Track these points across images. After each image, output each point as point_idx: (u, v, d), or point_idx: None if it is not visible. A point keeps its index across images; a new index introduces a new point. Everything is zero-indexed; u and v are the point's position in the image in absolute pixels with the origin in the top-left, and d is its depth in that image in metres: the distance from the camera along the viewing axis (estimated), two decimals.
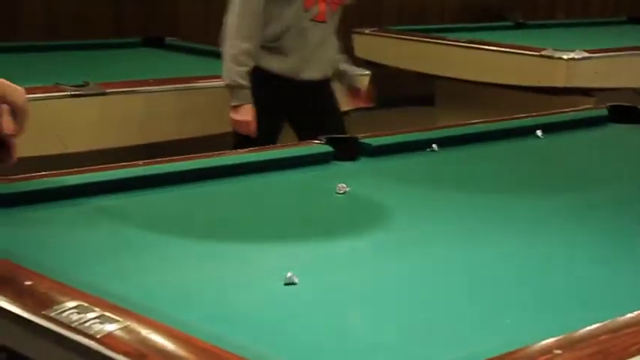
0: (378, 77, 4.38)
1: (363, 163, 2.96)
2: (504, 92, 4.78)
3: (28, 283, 1.78)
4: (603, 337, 1.62)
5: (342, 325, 1.77)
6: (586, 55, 5.39)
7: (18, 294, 1.75)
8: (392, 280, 2.04)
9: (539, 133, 3.35)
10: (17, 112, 2.06)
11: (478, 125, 3.40)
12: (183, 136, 4.05)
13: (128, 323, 1.60)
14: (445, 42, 5.69)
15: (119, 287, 1.79)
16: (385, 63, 5.82)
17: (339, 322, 1.78)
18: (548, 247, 2.23)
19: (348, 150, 3.00)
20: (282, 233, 2.30)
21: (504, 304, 1.87)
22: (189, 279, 1.98)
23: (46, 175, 2.53)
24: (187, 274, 2.01)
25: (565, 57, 5.30)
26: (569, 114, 3.70)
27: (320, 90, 3.77)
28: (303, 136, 3.28)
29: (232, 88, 3.61)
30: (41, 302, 1.70)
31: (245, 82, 3.59)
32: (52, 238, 2.20)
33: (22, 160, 2.34)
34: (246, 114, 3.59)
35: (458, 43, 5.61)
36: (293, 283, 1.90)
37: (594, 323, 1.65)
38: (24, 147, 2.31)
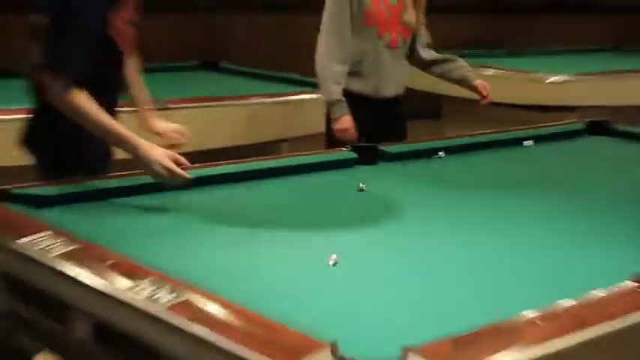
0: None
1: (382, 167, 2.95)
2: (501, 109, 4.73)
3: (110, 262, 1.81)
4: (577, 309, 1.63)
5: (367, 295, 1.80)
6: (568, 78, 5.37)
7: (102, 272, 1.78)
8: (403, 260, 2.05)
9: (530, 142, 3.33)
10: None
11: (478, 136, 3.39)
12: (235, 144, 4.08)
13: (191, 295, 1.63)
14: None
15: (185, 267, 1.80)
16: None
17: (366, 295, 1.80)
18: (534, 236, 2.23)
19: (369, 156, 2.99)
20: (317, 222, 2.32)
21: (495, 281, 1.87)
22: (242, 261, 1.99)
23: (135, 174, 2.53)
24: (240, 257, 2.02)
25: (551, 80, 5.28)
26: (555, 127, 3.68)
27: (393, 105, 3.72)
28: (370, 142, 3.26)
29: (332, 103, 3.57)
30: (121, 278, 1.73)
31: (342, 98, 3.56)
32: (136, 225, 2.22)
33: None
34: (346, 123, 3.54)
35: None
36: (336, 264, 1.92)
37: (569, 298, 1.65)
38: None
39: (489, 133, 3.47)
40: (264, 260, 2.00)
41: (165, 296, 1.62)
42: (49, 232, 1.97)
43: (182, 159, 2.37)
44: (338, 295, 1.79)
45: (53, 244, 1.90)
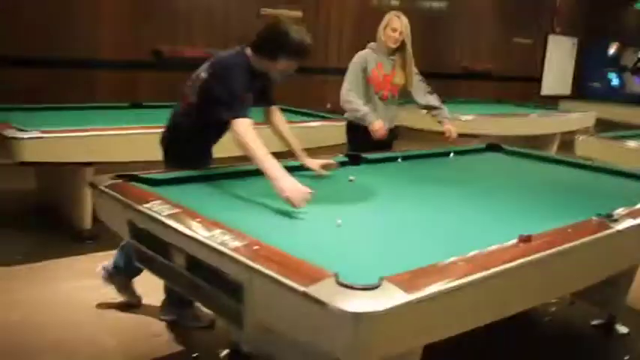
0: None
1: (363, 167, 2.94)
2: (434, 135, 4.48)
3: (198, 220, 1.80)
4: (484, 255, 1.64)
5: (365, 247, 1.79)
6: (474, 117, 5.45)
7: (192, 225, 1.77)
8: (380, 223, 2.05)
9: (451, 155, 3.35)
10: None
11: (420, 150, 3.35)
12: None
13: (248, 242, 1.63)
14: None
15: (247, 224, 1.79)
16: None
17: (364, 247, 1.79)
18: (456, 212, 2.22)
19: (355, 160, 2.98)
20: (326, 200, 2.25)
21: (435, 237, 1.88)
22: (279, 223, 1.96)
23: (216, 167, 2.54)
24: (278, 219, 1.99)
25: (465, 118, 5.30)
26: (467, 146, 3.64)
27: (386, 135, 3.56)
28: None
29: (366, 114, 3.44)
30: (204, 229, 1.71)
31: (369, 111, 3.45)
32: (213, 199, 2.14)
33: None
34: (379, 125, 3.42)
35: None
36: (340, 225, 1.92)
37: (478, 249, 1.67)
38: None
39: (427, 149, 3.42)
40: (295, 222, 1.97)
41: (230, 242, 1.62)
42: (159, 201, 1.98)
43: (306, 189, 2.09)
44: (341, 244, 1.78)
45: (162, 208, 1.91)
